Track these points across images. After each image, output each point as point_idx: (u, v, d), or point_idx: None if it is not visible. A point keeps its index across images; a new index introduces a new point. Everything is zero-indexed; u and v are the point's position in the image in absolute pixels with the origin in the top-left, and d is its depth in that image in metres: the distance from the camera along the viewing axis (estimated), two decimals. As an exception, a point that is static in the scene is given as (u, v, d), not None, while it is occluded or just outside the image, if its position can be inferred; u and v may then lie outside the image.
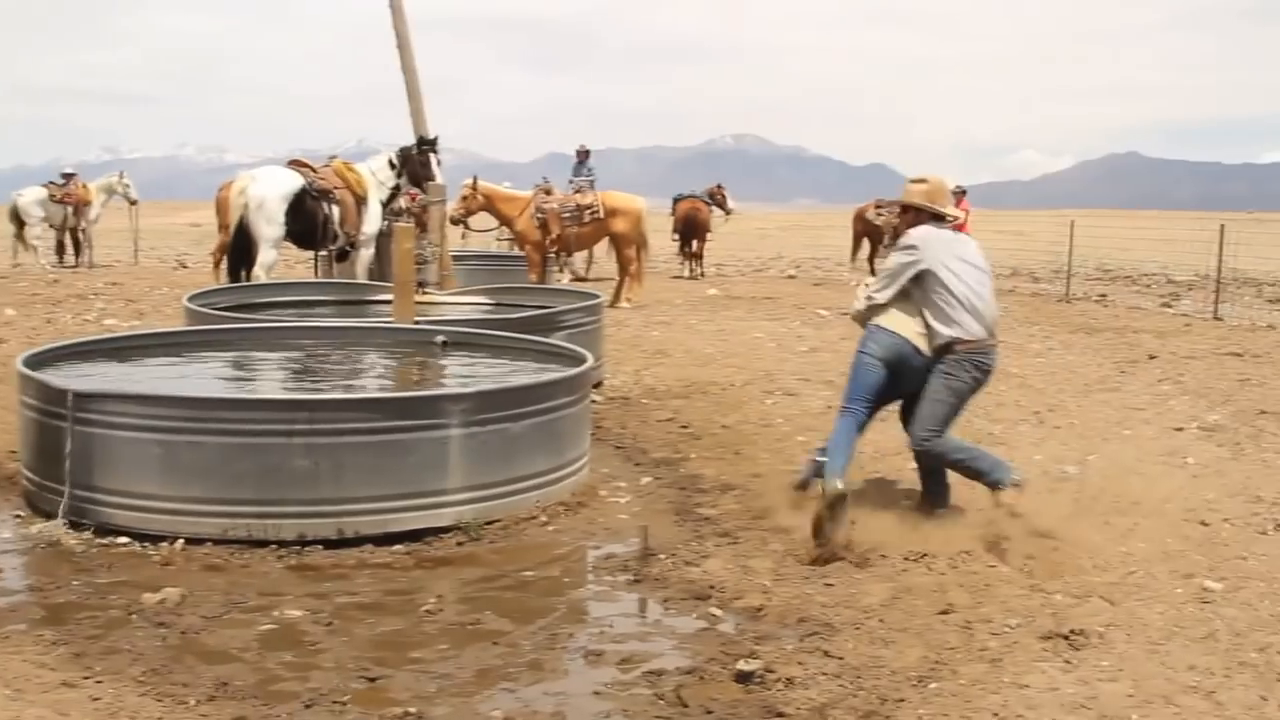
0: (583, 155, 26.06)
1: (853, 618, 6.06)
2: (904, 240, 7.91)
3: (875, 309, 7.82)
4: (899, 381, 7.81)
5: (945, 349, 7.59)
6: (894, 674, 5.39)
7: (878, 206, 28.46)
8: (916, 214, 8.06)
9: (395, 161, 17.29)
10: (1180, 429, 10.89)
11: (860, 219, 28.54)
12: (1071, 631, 5.81)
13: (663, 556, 7.04)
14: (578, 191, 22.50)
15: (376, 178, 17.13)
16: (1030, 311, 21.90)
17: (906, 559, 6.96)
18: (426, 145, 16.91)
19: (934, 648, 5.69)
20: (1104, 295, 26.12)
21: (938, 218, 8.01)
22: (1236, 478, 9.13)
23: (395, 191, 17.50)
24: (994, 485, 7.59)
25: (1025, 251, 34.05)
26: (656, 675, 5.38)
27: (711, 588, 6.51)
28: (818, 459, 7.83)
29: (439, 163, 17.05)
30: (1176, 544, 7.35)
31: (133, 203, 29.78)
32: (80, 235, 28.78)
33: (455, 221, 20.99)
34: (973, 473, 7.73)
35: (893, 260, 7.93)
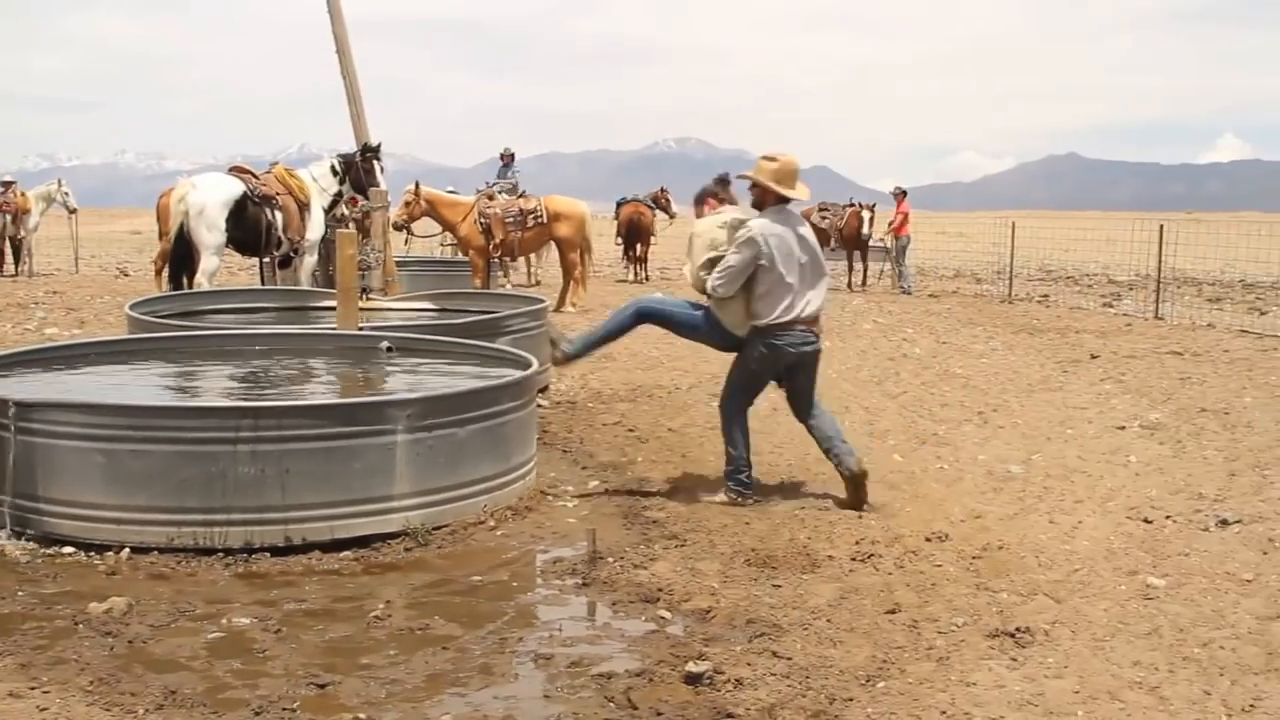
0: (507, 159, 26.03)
1: (800, 618, 6.09)
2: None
3: None
4: None
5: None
6: (842, 673, 5.42)
7: (821, 210, 28.58)
8: (764, 192, 8.44)
9: (338, 168, 17.24)
10: (1122, 427, 11.01)
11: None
12: (1017, 629, 5.87)
13: (611, 560, 7.05)
14: (520, 196, 22.47)
15: (319, 184, 17.07)
16: (973, 313, 22.08)
17: (854, 559, 7.02)
18: (370, 152, 16.86)
19: (882, 647, 5.72)
20: (1046, 296, 26.40)
21: (783, 200, 8.44)
22: (1178, 475, 9.23)
23: (338, 198, 17.42)
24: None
25: (967, 253, 34.34)
26: (606, 678, 5.38)
27: (660, 590, 6.51)
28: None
29: (382, 169, 17.01)
30: (1120, 541, 7.44)
31: (72, 211, 29.58)
32: (19, 244, 28.54)
33: (399, 228, 20.93)
34: None
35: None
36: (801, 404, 8.70)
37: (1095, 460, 9.67)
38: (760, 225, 8.28)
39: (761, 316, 8.33)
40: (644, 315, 8.83)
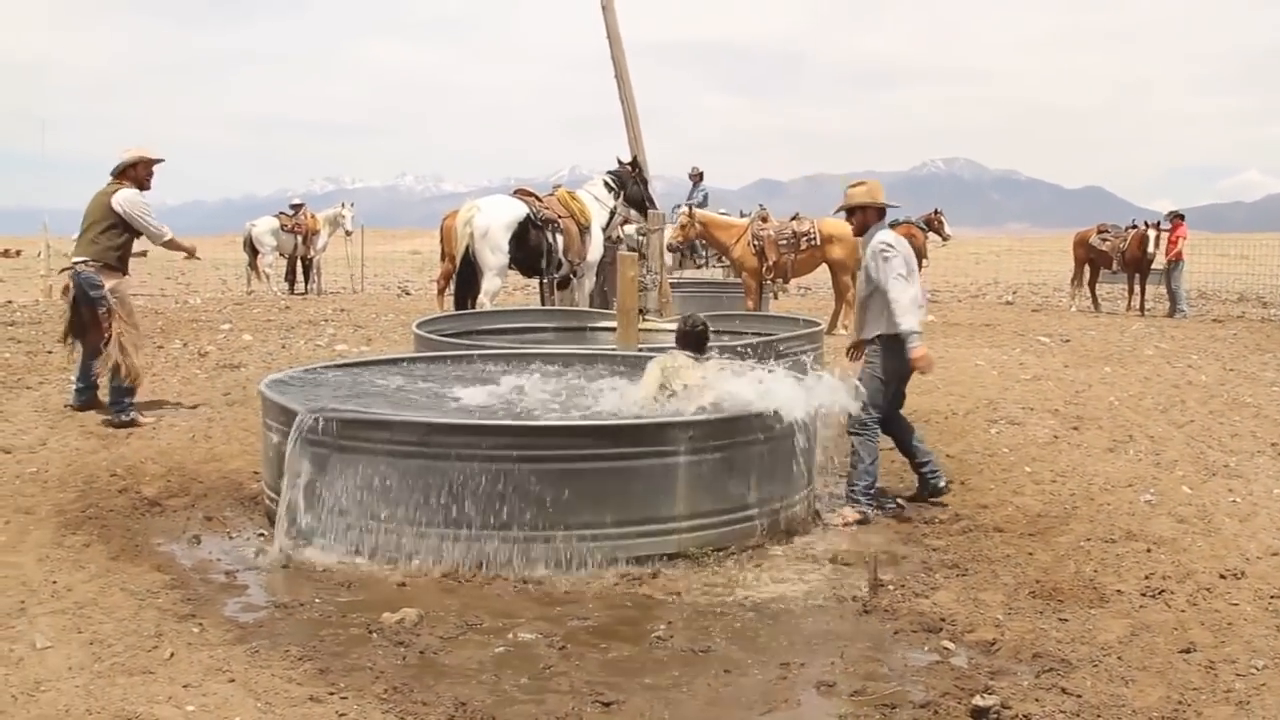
0: (696, 178, 25.89)
1: (1090, 654, 5.94)
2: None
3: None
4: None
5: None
6: (1135, 713, 5.27)
7: (1100, 231, 27.84)
8: (864, 213, 9.11)
9: (612, 183, 17.51)
10: None
11: (1083, 244, 27.86)
12: (1322, 674, 5.62)
13: (892, 587, 7.00)
14: (794, 218, 22.46)
15: (600, 203, 17.34)
16: (1261, 338, 21.21)
17: (1143, 594, 6.82)
18: (632, 164, 17.13)
19: (1176, 687, 5.55)
20: (1339, 320, 25.22)
21: (883, 213, 9.17)
22: None
23: (612, 214, 17.70)
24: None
25: (1251, 275, 33.05)
26: (890, 708, 5.32)
27: (943, 620, 6.44)
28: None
29: (648, 184, 17.26)
30: None
31: (348, 233, 30.72)
32: (309, 263, 29.82)
33: (673, 249, 21.15)
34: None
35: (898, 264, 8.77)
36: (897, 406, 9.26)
37: (1405, 496, 9.20)
38: (887, 235, 8.92)
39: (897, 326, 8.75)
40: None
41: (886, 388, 8.98)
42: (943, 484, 9.20)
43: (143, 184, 11.62)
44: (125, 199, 11.35)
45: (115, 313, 11.24)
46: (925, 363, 8.91)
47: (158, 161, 11.71)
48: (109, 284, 11.27)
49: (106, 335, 11.15)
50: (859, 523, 8.55)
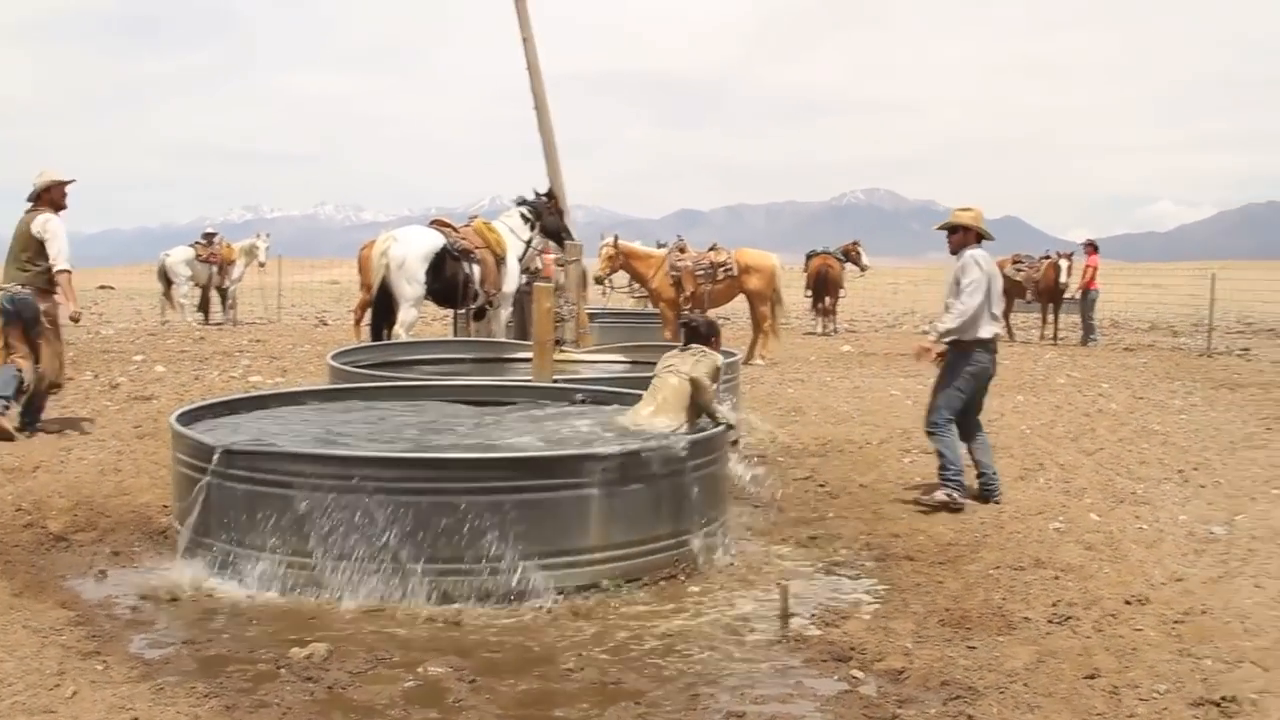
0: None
1: (997, 681, 6.00)
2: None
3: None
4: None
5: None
6: (1040, 740, 5.33)
7: (1015, 262, 28.18)
8: (964, 233, 10.13)
9: (529, 215, 17.55)
10: (1333, 488, 10.64)
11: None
12: (1223, 698, 5.70)
13: (803, 616, 7.04)
14: (711, 249, 22.58)
15: (516, 235, 17.36)
16: (1170, 366, 21.57)
17: (1050, 621, 6.90)
18: (546, 195, 17.20)
19: (1081, 713, 5.61)
20: (1246, 349, 25.63)
21: (981, 239, 10.15)
22: (1393, 539, 8.89)
23: (528, 245, 17.72)
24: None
25: (1163, 304, 33.58)
26: (799, 738, 5.36)
27: (852, 649, 6.47)
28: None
29: (564, 214, 17.35)
30: (1331, 608, 7.18)
31: (261, 265, 30.55)
32: (224, 293, 29.62)
33: (599, 280, 21.22)
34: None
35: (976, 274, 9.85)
36: (975, 415, 10.23)
37: (1304, 522, 9.36)
38: (977, 254, 9.99)
39: (978, 333, 9.86)
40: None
41: (958, 392, 9.97)
42: (994, 496, 10.02)
43: (59, 205, 12.09)
44: (40, 224, 11.87)
45: (46, 335, 11.96)
46: (919, 353, 10.36)
47: (69, 183, 12.12)
48: (43, 306, 11.92)
49: (37, 356, 11.93)
50: (946, 506, 9.67)
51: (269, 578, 7.30)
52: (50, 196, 12.05)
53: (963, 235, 10.13)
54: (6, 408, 11.67)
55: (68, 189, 12.12)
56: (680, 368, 8.90)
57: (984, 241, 10.20)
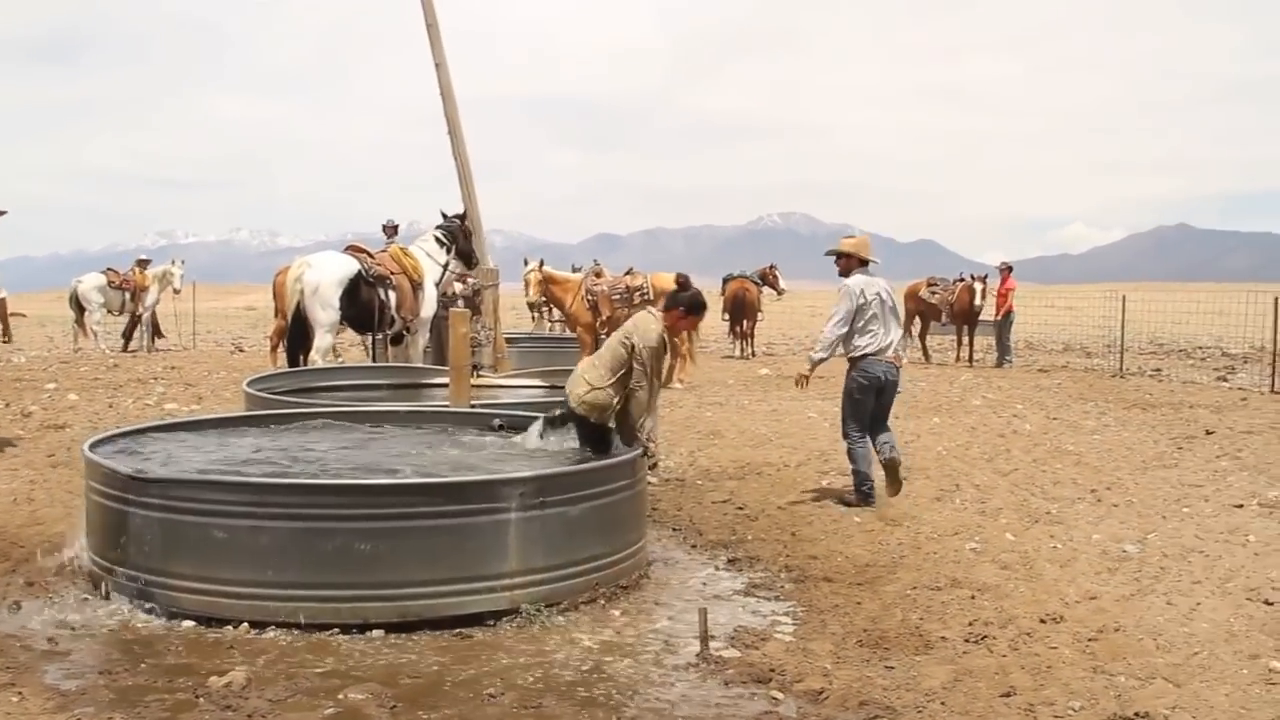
0: (390, 230, 24.78)
1: (914, 701, 6.05)
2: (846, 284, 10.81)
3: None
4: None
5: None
6: (958, 758, 5.37)
7: (930, 284, 28.44)
8: (847, 260, 10.98)
9: (444, 239, 17.54)
10: (1240, 505, 10.81)
11: (913, 297, 28.39)
12: (1135, 714, 5.79)
13: (722, 639, 7.05)
14: (628, 273, 22.62)
15: (433, 259, 17.34)
16: (1084, 388, 21.84)
17: (967, 640, 6.97)
18: (458, 217, 17.23)
19: (997, 731, 5.67)
20: (1158, 370, 26.01)
21: (865, 263, 10.97)
22: (1300, 555, 9.05)
23: (444, 270, 17.70)
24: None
25: (1077, 326, 33.97)
26: (719, 759, 5.37)
27: (772, 670, 6.49)
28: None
29: (470, 237, 17.39)
30: (1240, 624, 7.30)
31: (175, 291, 30.21)
32: (138, 319, 29.29)
33: (533, 305, 21.25)
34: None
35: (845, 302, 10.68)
36: (880, 422, 10.91)
37: (1213, 540, 9.50)
38: (851, 281, 10.79)
39: (860, 350, 10.68)
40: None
41: (854, 404, 10.81)
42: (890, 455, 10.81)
43: None
44: None
45: None
46: (798, 380, 11.23)
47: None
48: None
49: None
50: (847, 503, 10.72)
51: (186, 606, 7.23)
52: None
53: (846, 261, 11.03)
54: None
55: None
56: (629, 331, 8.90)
57: (868, 265, 10.99)
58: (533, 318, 26.00)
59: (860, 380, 10.71)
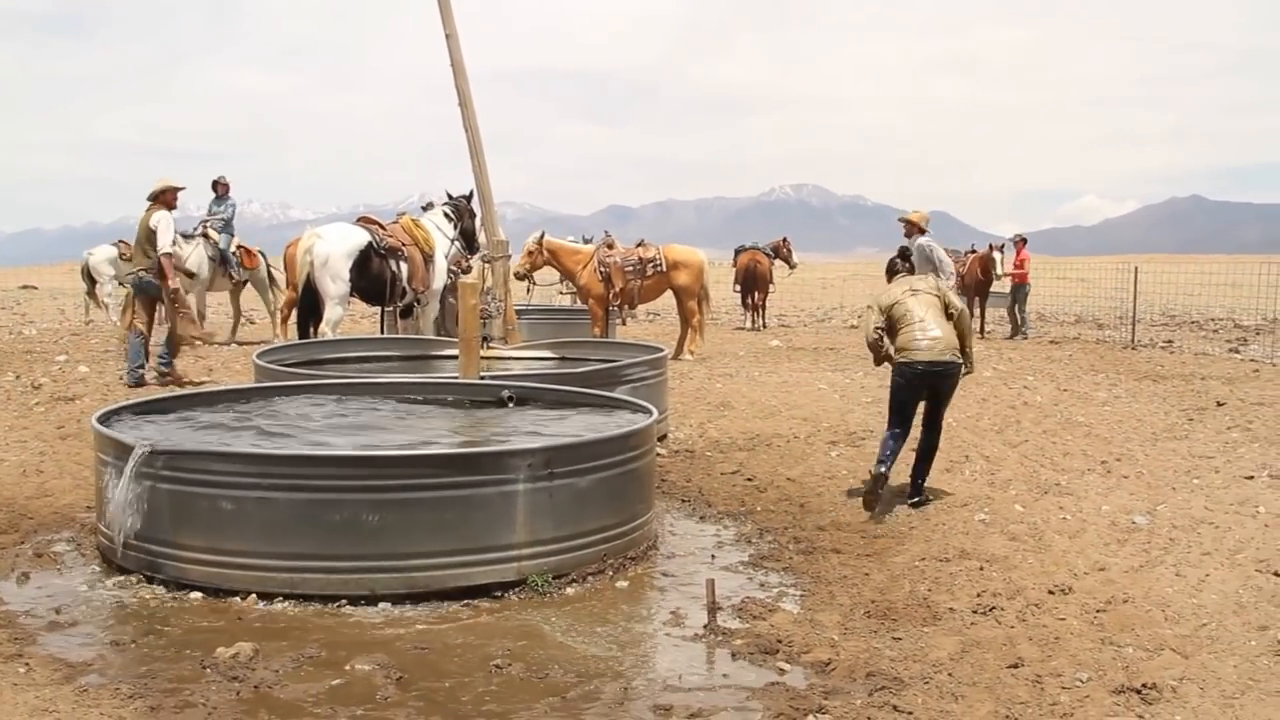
0: (222, 189, 24.01)
1: (921, 672, 6.05)
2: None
3: None
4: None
5: None
6: (964, 728, 5.37)
7: (942, 256, 28.38)
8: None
9: (451, 214, 17.59)
10: (1251, 477, 10.75)
11: (924, 269, 28.31)
12: (1144, 685, 5.77)
13: (729, 610, 7.06)
14: (640, 244, 22.58)
15: (443, 232, 17.38)
16: (1095, 359, 21.76)
17: (975, 612, 6.96)
18: (465, 197, 17.27)
19: (1004, 703, 5.67)
20: (1170, 341, 25.91)
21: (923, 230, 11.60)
22: (1309, 527, 9.02)
23: (453, 243, 17.72)
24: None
25: (1089, 298, 33.88)
26: (726, 730, 5.37)
27: (779, 641, 6.50)
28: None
29: (475, 216, 17.49)
30: (1249, 595, 7.27)
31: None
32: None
33: (520, 277, 21.13)
34: None
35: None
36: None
37: (1223, 511, 9.46)
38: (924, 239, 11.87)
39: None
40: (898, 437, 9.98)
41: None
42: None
43: (171, 206, 15.21)
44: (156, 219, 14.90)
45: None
46: None
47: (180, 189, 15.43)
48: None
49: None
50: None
51: (193, 578, 7.25)
52: (165, 199, 15.02)
53: (909, 227, 13.26)
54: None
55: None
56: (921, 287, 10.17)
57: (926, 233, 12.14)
58: (527, 289, 25.85)
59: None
